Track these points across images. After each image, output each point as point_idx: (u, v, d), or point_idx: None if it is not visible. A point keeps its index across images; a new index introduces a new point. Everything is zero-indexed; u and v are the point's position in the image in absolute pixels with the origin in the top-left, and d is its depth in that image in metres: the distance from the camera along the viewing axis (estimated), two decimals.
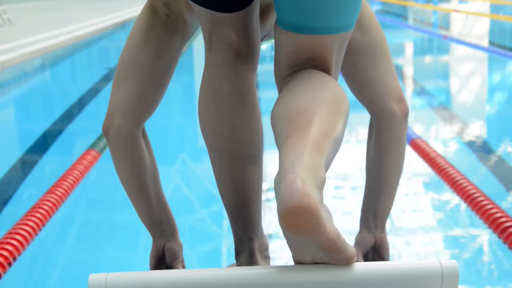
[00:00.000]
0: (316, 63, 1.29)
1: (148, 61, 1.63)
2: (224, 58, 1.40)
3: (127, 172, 1.72)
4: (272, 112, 1.25)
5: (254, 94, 1.46)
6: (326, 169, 1.15)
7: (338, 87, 1.27)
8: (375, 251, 1.85)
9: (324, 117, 1.16)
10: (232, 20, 1.36)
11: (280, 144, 1.17)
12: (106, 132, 1.68)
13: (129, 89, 1.63)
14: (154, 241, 1.83)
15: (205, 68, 1.44)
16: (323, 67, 1.30)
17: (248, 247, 1.62)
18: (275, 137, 1.21)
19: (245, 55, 1.41)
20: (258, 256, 1.64)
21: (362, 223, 1.86)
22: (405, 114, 1.74)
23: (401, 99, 1.73)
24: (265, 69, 5.74)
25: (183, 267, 1.84)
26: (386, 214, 1.84)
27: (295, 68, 1.31)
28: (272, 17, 1.61)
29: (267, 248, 1.69)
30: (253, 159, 1.52)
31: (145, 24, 1.64)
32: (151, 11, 1.65)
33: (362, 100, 1.77)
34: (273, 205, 2.54)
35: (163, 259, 1.83)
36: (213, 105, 1.43)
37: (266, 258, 1.69)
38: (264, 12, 1.58)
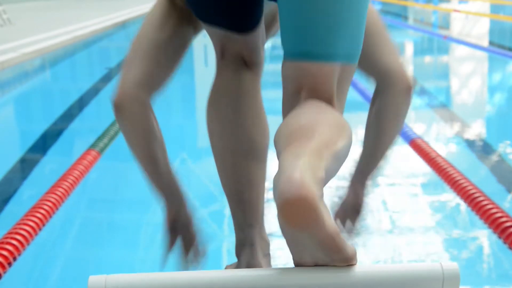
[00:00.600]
0: (318, 95, 1.31)
1: (163, 41, 1.71)
2: (234, 65, 1.64)
3: (140, 141, 1.74)
4: (275, 135, 1.28)
5: (259, 93, 1.68)
6: (326, 180, 1.14)
7: (341, 115, 1.31)
8: (352, 206, 1.90)
9: (325, 133, 1.18)
10: (243, 38, 1.60)
11: (280, 154, 1.18)
12: (119, 104, 1.68)
13: (144, 65, 1.69)
14: (165, 208, 1.83)
15: (217, 71, 1.67)
16: (325, 100, 1.32)
17: (248, 236, 1.63)
18: (276, 152, 1.23)
19: (252, 63, 1.66)
20: (260, 253, 1.64)
21: (349, 185, 1.92)
22: (409, 86, 1.75)
23: (405, 72, 1.76)
24: (264, 69, 5.73)
25: (195, 233, 1.83)
26: (370, 172, 1.88)
27: (300, 96, 1.33)
28: (275, 26, 1.79)
29: (268, 246, 1.70)
30: (257, 154, 1.64)
31: (162, 12, 1.74)
32: (169, 2, 1.75)
33: (368, 73, 1.79)
34: (274, 204, 2.54)
35: (177, 223, 1.83)
36: (223, 99, 1.64)
37: (267, 256, 1.69)
38: (269, 24, 1.76)
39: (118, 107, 1.69)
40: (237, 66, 1.63)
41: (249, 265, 1.64)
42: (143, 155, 1.76)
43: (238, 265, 1.71)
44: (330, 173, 1.17)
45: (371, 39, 1.70)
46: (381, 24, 1.78)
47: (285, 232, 1.07)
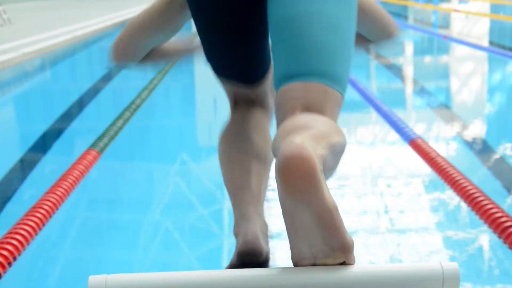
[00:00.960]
0: (311, 111, 1.35)
1: (154, 33, 1.93)
2: (246, 106, 1.83)
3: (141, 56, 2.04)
4: (273, 141, 1.31)
5: (267, 123, 1.85)
6: (324, 166, 1.15)
7: (335, 122, 1.35)
8: None
9: (320, 128, 1.22)
10: (253, 88, 1.80)
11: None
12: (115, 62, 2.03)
13: (129, 49, 1.98)
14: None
15: (232, 113, 1.86)
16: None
17: (246, 212, 1.61)
18: (274, 153, 1.24)
19: (262, 105, 1.85)
20: (257, 227, 1.61)
21: None
22: (396, 36, 2.02)
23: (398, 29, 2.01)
24: None
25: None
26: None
27: (294, 114, 1.36)
28: None
29: (266, 227, 1.68)
30: (261, 154, 1.74)
31: (163, 6, 1.88)
32: None
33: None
34: (273, 205, 2.54)
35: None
36: (237, 130, 1.79)
37: (265, 235, 1.67)
38: None
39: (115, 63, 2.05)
40: (249, 105, 1.84)
41: (245, 237, 1.58)
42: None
43: (236, 247, 1.65)
44: (327, 163, 1.18)
45: (376, 24, 1.92)
46: (377, 7, 1.93)
47: (284, 203, 1.07)
